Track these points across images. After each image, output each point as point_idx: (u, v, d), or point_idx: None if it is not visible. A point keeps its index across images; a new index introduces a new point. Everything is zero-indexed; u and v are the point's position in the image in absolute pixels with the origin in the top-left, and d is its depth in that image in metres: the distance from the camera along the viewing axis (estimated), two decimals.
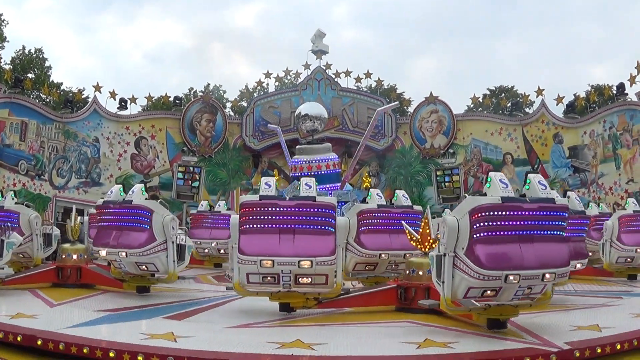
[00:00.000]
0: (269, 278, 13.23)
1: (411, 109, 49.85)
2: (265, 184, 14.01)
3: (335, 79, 47.89)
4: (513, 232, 10.68)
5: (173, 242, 15.89)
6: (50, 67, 58.11)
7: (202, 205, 30.49)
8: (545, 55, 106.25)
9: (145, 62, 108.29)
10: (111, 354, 9.37)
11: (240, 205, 13.74)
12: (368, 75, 49.25)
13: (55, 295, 16.27)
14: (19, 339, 10.44)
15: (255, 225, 13.42)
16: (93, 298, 16.62)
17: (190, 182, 42.28)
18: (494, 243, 10.54)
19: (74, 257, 18.96)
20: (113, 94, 43.69)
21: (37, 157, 38.43)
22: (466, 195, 18.93)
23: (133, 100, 44.85)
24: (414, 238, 15.34)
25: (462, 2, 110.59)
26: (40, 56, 57.13)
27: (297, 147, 31.01)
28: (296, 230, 13.41)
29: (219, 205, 30.69)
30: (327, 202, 13.96)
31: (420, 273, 14.34)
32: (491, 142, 45.26)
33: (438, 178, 43.43)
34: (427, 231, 14.90)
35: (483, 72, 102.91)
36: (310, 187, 14.16)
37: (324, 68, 47.78)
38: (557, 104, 44.45)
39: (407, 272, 14.73)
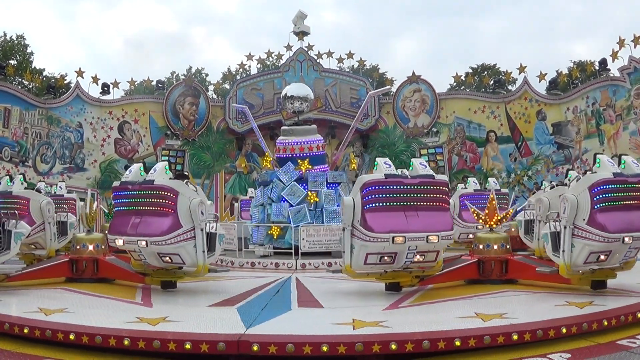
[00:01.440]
0: (386, 258, 13.48)
1: (394, 89, 49.87)
2: (385, 163, 14.42)
3: (318, 60, 47.87)
4: (621, 202, 12.96)
5: (202, 230, 13.82)
6: (32, 54, 57.81)
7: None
8: (526, 32, 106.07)
9: (127, 47, 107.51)
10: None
11: (363, 185, 13.63)
12: (350, 55, 49.20)
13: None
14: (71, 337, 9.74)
15: (382, 204, 13.54)
16: None
17: (174, 165, 42.26)
18: (612, 211, 12.74)
19: (90, 247, 16.62)
20: (95, 79, 43.55)
21: (21, 143, 38.38)
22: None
23: (115, 84, 44.80)
24: (480, 216, 16.55)
25: None
26: (22, 42, 56.75)
27: (283, 128, 30.86)
28: (419, 207, 13.68)
29: (60, 188, 27.52)
30: (443, 180, 14.56)
31: (495, 247, 15.66)
32: (474, 120, 45.36)
33: (422, 157, 43.61)
34: (494, 207, 16.35)
35: (465, 50, 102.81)
36: (425, 166, 14.57)
37: (306, 49, 47.68)
38: (539, 81, 44.76)
39: (481, 247, 15.83)
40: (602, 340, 10.02)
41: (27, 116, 39.18)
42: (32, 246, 19.43)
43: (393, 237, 13.02)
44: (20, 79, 49.72)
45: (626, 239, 12.47)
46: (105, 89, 43.95)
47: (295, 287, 16.87)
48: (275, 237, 26.01)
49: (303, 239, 23.95)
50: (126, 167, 42.38)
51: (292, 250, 23.78)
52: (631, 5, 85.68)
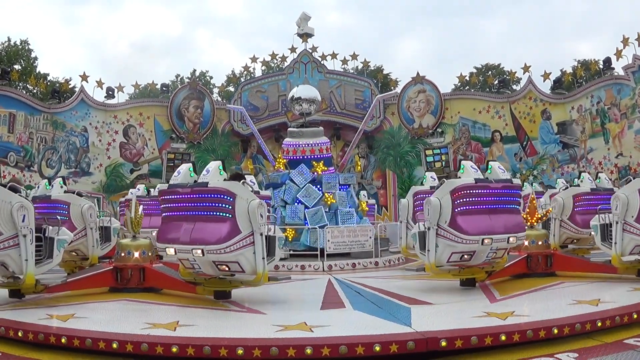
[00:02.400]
0: (465, 256, 14.31)
1: (398, 90, 49.85)
2: (472, 167, 15.14)
3: (322, 62, 47.82)
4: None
5: (262, 234, 12.65)
6: (36, 58, 57.93)
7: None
8: (530, 32, 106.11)
9: (131, 50, 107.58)
10: None
11: (455, 188, 14.20)
12: (354, 57, 49.11)
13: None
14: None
15: (472, 207, 14.28)
16: None
17: None
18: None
19: (136, 255, 15.31)
20: (100, 83, 43.48)
21: (26, 148, 38.43)
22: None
23: (120, 88, 44.78)
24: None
25: None
26: (26, 47, 56.83)
27: (290, 129, 30.81)
28: (502, 210, 14.62)
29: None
30: (519, 184, 15.84)
31: (539, 243, 17.16)
32: (479, 120, 45.34)
33: (428, 158, 43.77)
34: (535, 205, 17.40)
35: (469, 50, 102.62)
36: (504, 171, 15.26)
37: (310, 51, 47.62)
38: (544, 80, 44.69)
39: (526, 243, 16.85)
40: (608, 340, 10.01)
41: (32, 121, 39.22)
42: (74, 253, 18.41)
43: (483, 239, 13.90)
44: (24, 84, 49.72)
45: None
46: (110, 93, 43.98)
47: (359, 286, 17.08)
48: (290, 239, 25.61)
49: (329, 240, 23.90)
50: (132, 171, 42.72)
51: (317, 252, 23.78)
52: (635, 4, 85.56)
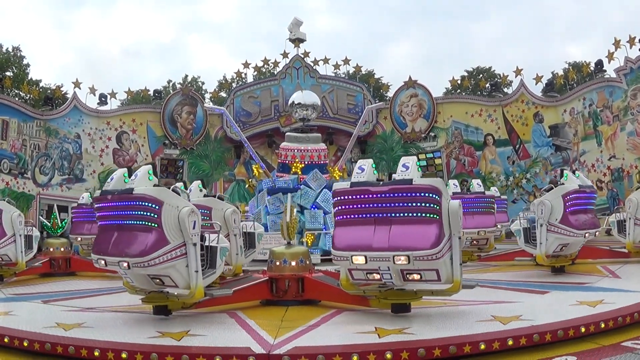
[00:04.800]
0: (564, 248, 17.82)
1: (390, 94, 50.02)
2: (573, 174, 18.58)
3: (314, 67, 48.01)
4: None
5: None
6: (28, 65, 57.72)
7: (82, 197, 26.63)
8: (521, 35, 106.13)
9: (123, 56, 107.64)
10: None
11: (567, 192, 17.41)
12: (346, 61, 49.45)
13: None
14: None
15: (578, 207, 17.70)
16: None
17: (174, 175, 42.31)
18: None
19: (292, 263, 14.06)
20: (93, 90, 43.44)
21: (20, 155, 38.31)
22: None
23: (113, 95, 44.78)
24: None
25: None
26: (18, 54, 56.73)
27: (288, 134, 30.91)
28: (590, 210, 18.54)
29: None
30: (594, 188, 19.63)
31: None
32: (472, 124, 45.44)
33: (420, 162, 43.81)
34: None
35: (460, 54, 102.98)
36: (579, 176, 18.77)
37: (302, 56, 47.81)
38: (536, 83, 44.76)
39: None
40: (606, 342, 10.03)
41: (25, 128, 39.12)
42: None
43: (585, 234, 17.53)
44: (17, 91, 49.64)
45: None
46: (103, 99, 43.90)
47: None
48: (309, 244, 25.39)
49: None
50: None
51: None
52: (626, 6, 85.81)
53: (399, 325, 10.74)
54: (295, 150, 29.10)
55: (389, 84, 54.62)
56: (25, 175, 38.50)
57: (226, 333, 10.80)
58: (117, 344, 9.69)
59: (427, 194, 11.04)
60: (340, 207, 11.84)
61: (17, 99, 44.90)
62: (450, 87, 54.07)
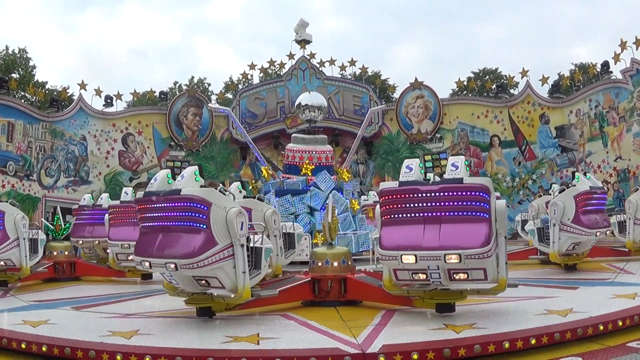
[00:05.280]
0: (576, 246, 19.01)
1: (396, 95, 49.95)
2: (587, 175, 20.08)
3: (320, 68, 47.97)
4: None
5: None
6: (34, 67, 57.64)
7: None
8: (527, 37, 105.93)
9: (129, 58, 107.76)
10: None
11: (579, 193, 18.45)
12: (352, 63, 49.41)
13: None
14: None
15: (589, 207, 18.90)
16: None
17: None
18: None
19: (335, 264, 14.05)
20: (98, 91, 43.40)
21: (25, 157, 38.33)
22: None
23: (118, 96, 44.77)
24: None
25: None
26: (24, 56, 56.69)
27: (294, 135, 30.85)
28: (601, 210, 19.89)
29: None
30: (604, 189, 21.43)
31: None
32: (478, 125, 45.36)
33: (426, 163, 43.90)
34: None
35: (466, 55, 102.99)
36: (590, 178, 20.10)
37: (308, 57, 47.77)
38: (542, 85, 44.73)
39: None
40: (611, 343, 9.99)
41: (31, 130, 39.13)
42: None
43: (597, 232, 18.67)
44: (23, 93, 49.67)
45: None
46: (109, 101, 43.87)
47: None
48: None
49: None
50: (131, 179, 42.69)
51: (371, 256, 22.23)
52: (632, 7, 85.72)
53: (465, 321, 10.99)
54: (304, 152, 29.08)
55: (395, 85, 54.60)
56: (30, 177, 38.50)
57: (299, 335, 10.79)
58: (201, 351, 9.53)
59: (477, 193, 11.07)
60: (387, 207, 11.73)
61: (23, 100, 44.98)
62: (456, 89, 54.01)
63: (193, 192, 11.45)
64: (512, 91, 48.80)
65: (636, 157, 36.14)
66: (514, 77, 47.76)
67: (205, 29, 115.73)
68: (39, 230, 20.12)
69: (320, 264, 14.07)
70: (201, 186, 11.96)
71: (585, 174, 20.00)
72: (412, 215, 11.36)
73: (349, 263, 14.23)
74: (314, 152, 29.38)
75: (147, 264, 11.73)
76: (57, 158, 40.35)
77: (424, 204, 11.25)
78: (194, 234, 11.20)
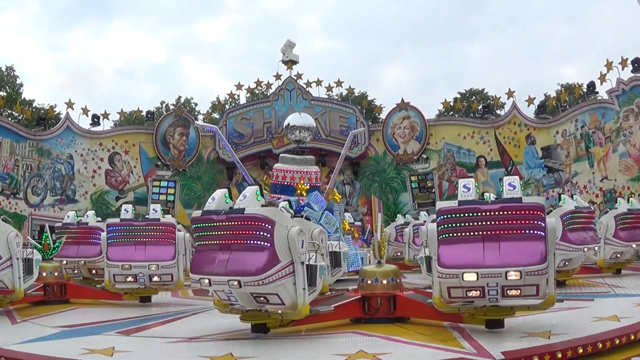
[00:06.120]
0: (567, 262, 19.95)
1: (383, 116, 50.14)
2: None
3: (307, 89, 48.16)
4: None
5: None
6: (21, 85, 57.46)
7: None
8: (513, 58, 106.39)
9: (116, 77, 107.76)
10: None
11: (565, 213, 19.53)
12: (339, 83, 49.48)
13: None
14: None
15: (575, 225, 20.00)
16: None
17: (165, 196, 42.41)
18: None
19: (384, 282, 14.32)
20: (85, 110, 43.41)
21: (12, 175, 38.26)
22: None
23: (105, 116, 44.69)
24: None
25: (428, 9, 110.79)
26: (12, 74, 56.57)
27: (283, 155, 30.75)
28: (589, 227, 21.03)
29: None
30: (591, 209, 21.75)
31: None
32: (464, 146, 45.55)
33: (412, 184, 44.09)
34: None
35: (453, 76, 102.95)
36: (577, 199, 21.28)
37: (295, 78, 47.93)
38: (528, 105, 44.92)
39: None
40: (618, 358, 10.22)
41: (18, 148, 39.09)
42: None
43: (584, 248, 19.79)
44: (10, 111, 49.60)
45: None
46: (96, 120, 43.80)
47: None
48: None
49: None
50: (117, 198, 42.67)
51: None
52: (618, 27, 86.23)
53: (540, 330, 11.85)
54: (293, 172, 29.06)
55: (381, 106, 54.86)
56: (17, 195, 38.42)
57: (408, 350, 11.10)
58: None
59: (534, 212, 11.40)
60: (445, 226, 11.89)
61: (9, 119, 44.94)
62: (442, 109, 54.22)
63: (258, 211, 11.79)
64: (498, 112, 48.84)
65: (622, 177, 36.21)
66: (500, 97, 47.74)
67: (192, 48, 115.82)
68: (34, 250, 18.42)
69: (369, 281, 14.31)
70: (262, 205, 12.25)
71: (572, 196, 20.58)
72: (471, 233, 11.63)
73: (398, 281, 14.51)
74: (302, 173, 29.38)
75: (206, 281, 11.91)
76: (43, 176, 40.29)
77: (484, 223, 11.55)
78: (259, 252, 11.50)
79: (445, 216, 11.89)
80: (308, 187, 28.18)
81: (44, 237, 21.29)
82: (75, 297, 20.61)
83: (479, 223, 11.54)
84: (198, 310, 17.32)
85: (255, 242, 11.61)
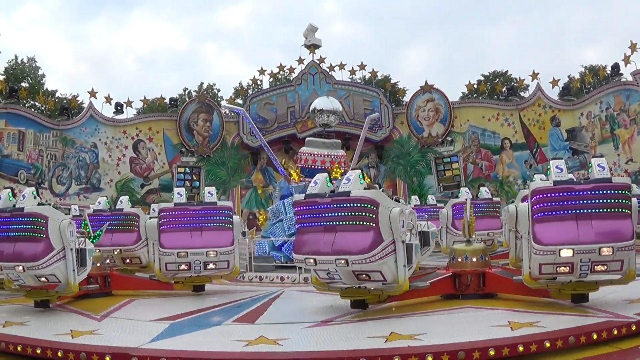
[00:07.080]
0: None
1: (407, 99, 49.92)
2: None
3: (330, 73, 47.97)
4: None
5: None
6: (43, 75, 57.73)
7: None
8: (537, 40, 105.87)
9: (138, 65, 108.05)
10: None
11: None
12: (362, 67, 49.30)
13: None
14: None
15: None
16: None
17: (190, 182, 42.47)
18: None
19: (473, 259, 14.95)
20: (108, 99, 43.56)
21: (36, 165, 38.49)
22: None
23: (129, 103, 44.90)
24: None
25: None
26: (34, 65, 56.75)
27: (310, 139, 30.63)
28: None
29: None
30: None
31: None
32: (489, 128, 45.35)
33: (437, 167, 43.97)
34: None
35: (476, 59, 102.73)
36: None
37: (318, 62, 47.78)
38: (552, 87, 44.66)
39: None
40: (625, 346, 9.97)
41: (42, 138, 39.33)
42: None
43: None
44: (32, 102, 49.73)
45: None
46: (119, 108, 44.07)
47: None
48: None
49: None
50: (142, 186, 42.72)
51: None
52: None
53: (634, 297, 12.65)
54: (320, 155, 28.98)
55: (405, 89, 54.52)
56: (42, 185, 38.60)
57: (557, 318, 11.59)
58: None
59: (622, 191, 11.80)
60: (541, 205, 12.30)
61: (33, 109, 45.10)
62: (466, 92, 53.89)
63: (364, 194, 12.57)
64: (522, 94, 48.61)
65: None
66: (524, 79, 47.50)
67: (214, 35, 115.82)
68: (86, 239, 15.92)
69: (460, 259, 14.94)
70: (365, 188, 12.95)
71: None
72: (565, 212, 12.01)
73: (486, 259, 15.09)
74: (330, 156, 29.30)
75: (311, 260, 12.65)
76: (68, 166, 40.50)
77: (577, 202, 11.94)
78: (365, 232, 12.22)
79: (540, 196, 12.32)
80: (342, 170, 27.98)
81: (82, 224, 19.79)
82: (119, 288, 18.89)
83: (573, 202, 11.96)
84: (270, 295, 17.30)
85: (362, 222, 12.33)
